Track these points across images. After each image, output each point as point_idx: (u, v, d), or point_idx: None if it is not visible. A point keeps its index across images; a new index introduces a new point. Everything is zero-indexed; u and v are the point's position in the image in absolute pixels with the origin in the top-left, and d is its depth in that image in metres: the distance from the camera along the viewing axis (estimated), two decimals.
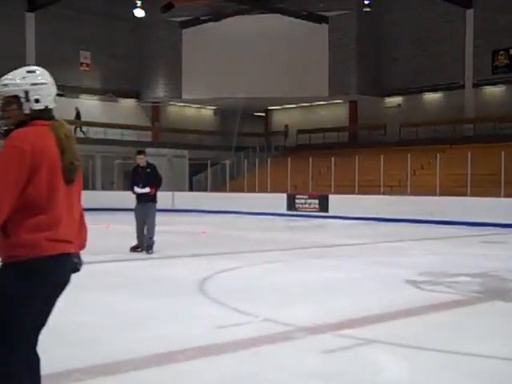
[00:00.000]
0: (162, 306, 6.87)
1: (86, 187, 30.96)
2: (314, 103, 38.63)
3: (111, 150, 32.36)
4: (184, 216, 26.26)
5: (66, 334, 5.50)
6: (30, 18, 33.93)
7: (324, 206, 25.65)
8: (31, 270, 2.84)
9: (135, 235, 11.96)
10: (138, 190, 11.86)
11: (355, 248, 13.88)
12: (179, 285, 8.26)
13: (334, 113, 38.06)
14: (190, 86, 36.68)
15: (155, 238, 11.80)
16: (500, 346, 5.30)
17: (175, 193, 29.39)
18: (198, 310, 6.64)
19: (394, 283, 8.52)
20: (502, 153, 22.06)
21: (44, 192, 2.84)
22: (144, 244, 11.79)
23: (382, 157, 25.43)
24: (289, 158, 28.93)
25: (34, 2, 33.71)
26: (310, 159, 28.00)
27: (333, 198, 25.43)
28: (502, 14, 30.19)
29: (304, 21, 34.16)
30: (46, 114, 2.99)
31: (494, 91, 31.89)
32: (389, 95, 35.54)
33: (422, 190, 23.48)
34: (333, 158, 27.32)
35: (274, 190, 28.15)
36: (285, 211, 26.70)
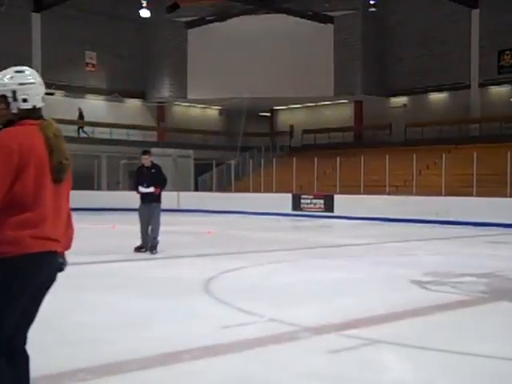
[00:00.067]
0: (166, 306, 6.88)
1: (91, 187, 31.15)
2: (319, 103, 38.59)
3: (117, 150, 32.42)
4: (189, 216, 26.28)
5: (70, 334, 5.53)
6: (36, 18, 34.01)
7: (329, 206, 25.63)
8: (16, 268, 2.85)
9: (139, 235, 11.98)
10: (142, 189, 11.87)
11: (360, 248, 13.87)
12: (184, 285, 8.27)
13: (340, 113, 38.02)
14: (196, 86, 36.71)
15: (159, 238, 11.80)
16: (504, 346, 5.29)
17: (180, 193, 29.41)
18: (203, 310, 6.65)
19: (399, 283, 8.51)
20: (508, 153, 22.02)
21: (31, 190, 2.86)
22: (148, 244, 11.79)
23: (387, 157, 25.39)
24: (294, 158, 28.91)
25: (40, 3, 33.79)
26: (316, 159, 27.99)
27: (338, 198, 25.41)
28: (508, 14, 30.10)
29: (309, 21, 34.13)
30: (34, 114, 3.01)
31: (499, 91, 31.81)
32: (394, 95, 35.48)
33: (428, 190, 23.44)
34: (338, 158, 27.30)
35: (279, 190, 28.15)
36: (290, 211, 26.69)
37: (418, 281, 8.60)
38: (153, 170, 11.97)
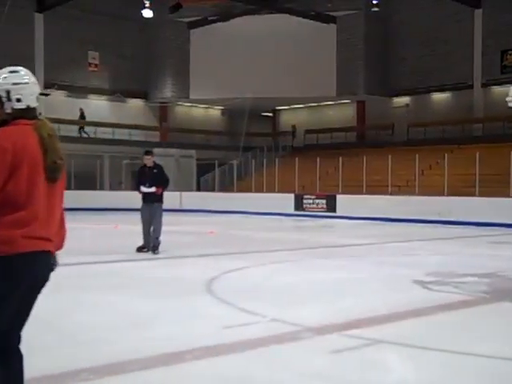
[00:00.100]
0: (168, 306, 6.88)
1: (93, 187, 31.17)
2: (321, 103, 38.58)
3: (119, 150, 32.45)
4: (191, 216, 26.30)
5: (72, 334, 5.53)
6: (39, 18, 34.07)
7: (331, 206, 25.63)
8: (8, 267, 2.85)
9: (142, 235, 11.98)
10: (143, 189, 11.87)
11: (363, 248, 13.87)
12: (186, 285, 8.27)
13: (342, 113, 38.01)
14: (198, 86, 36.73)
15: (161, 238, 11.79)
16: (505, 346, 5.29)
17: (183, 193, 29.43)
18: (205, 310, 6.65)
19: (402, 283, 8.51)
20: (511, 153, 21.98)
21: (24, 189, 2.87)
22: (150, 244, 11.79)
23: (389, 157, 25.37)
24: (296, 158, 28.92)
25: (43, 3, 33.84)
26: (318, 159, 27.99)
27: (340, 198, 25.41)
28: (511, 14, 30.07)
29: (312, 21, 34.12)
30: (28, 114, 3.02)
31: (502, 91, 31.68)
32: (397, 95, 35.46)
33: (430, 190, 23.43)
34: (340, 158, 27.31)
35: (281, 190, 28.15)
36: (292, 211, 26.70)
37: (421, 281, 8.60)
38: (155, 170, 11.96)
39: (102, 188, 32.62)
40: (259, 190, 29.28)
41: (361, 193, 25.32)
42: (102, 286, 8.11)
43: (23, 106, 3.01)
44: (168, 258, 11.39)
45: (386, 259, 11.44)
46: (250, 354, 5.00)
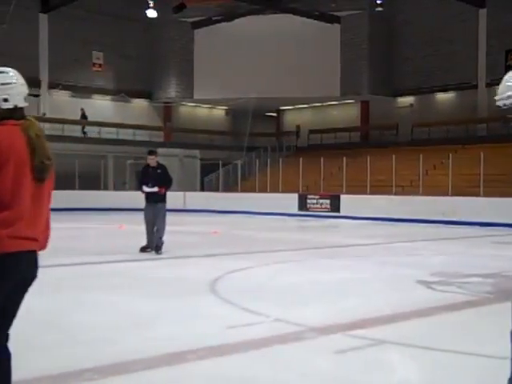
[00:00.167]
0: (172, 306, 6.89)
1: (98, 187, 31.21)
2: (325, 103, 38.57)
3: (123, 150, 32.49)
4: (195, 216, 26.31)
5: (75, 334, 5.53)
6: (44, 19, 34.13)
7: (335, 206, 25.62)
8: None
9: (145, 235, 11.98)
10: (145, 188, 11.84)
11: (367, 248, 13.86)
12: (190, 285, 8.28)
13: (346, 113, 38.00)
14: (202, 86, 36.75)
15: (165, 238, 11.79)
16: (509, 347, 5.27)
17: (186, 193, 29.46)
18: (208, 310, 6.65)
19: (406, 284, 8.50)
20: None
21: (9, 188, 2.88)
22: (153, 244, 11.80)
23: (393, 157, 25.36)
24: (300, 158, 28.90)
25: (48, 3, 33.91)
26: (322, 159, 27.99)
27: (344, 198, 25.39)
28: None
29: (316, 21, 34.10)
30: (16, 114, 3.03)
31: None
32: (401, 95, 35.44)
33: (434, 190, 23.39)
34: (344, 158, 27.30)
35: (285, 190, 28.15)
36: (296, 211, 26.69)
37: (425, 281, 8.59)
38: (158, 171, 11.93)
39: (106, 188, 32.66)
40: (263, 190, 29.28)
41: (365, 193, 25.30)
42: (105, 286, 8.12)
43: (10, 106, 3.02)
44: (172, 257, 11.40)
45: (390, 259, 11.43)
46: (253, 354, 4.99)
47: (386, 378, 4.40)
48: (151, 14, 32.94)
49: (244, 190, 30.33)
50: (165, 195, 11.95)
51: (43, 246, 3.15)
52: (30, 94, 3.20)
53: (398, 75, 34.98)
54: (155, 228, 11.77)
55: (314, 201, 26.63)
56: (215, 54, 35.73)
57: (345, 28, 34.80)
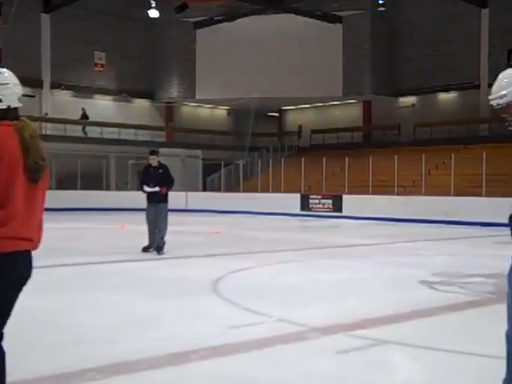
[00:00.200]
0: (174, 306, 6.89)
1: (100, 187, 31.22)
2: (327, 103, 38.55)
3: (125, 150, 32.49)
4: (197, 216, 26.32)
5: (78, 334, 5.53)
6: (46, 19, 34.16)
7: (338, 206, 25.62)
8: None
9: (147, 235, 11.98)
10: (146, 188, 11.83)
11: (369, 248, 13.85)
12: (192, 285, 8.28)
13: (348, 113, 37.98)
14: (204, 86, 36.76)
15: (167, 238, 11.78)
16: None
17: (188, 193, 29.46)
18: (210, 310, 6.65)
19: (408, 284, 8.50)
20: None
21: (2, 188, 2.89)
22: (155, 244, 11.79)
23: (395, 157, 25.34)
24: (302, 158, 28.90)
25: (49, 4, 33.93)
26: (324, 159, 27.98)
27: (346, 198, 25.39)
28: None
29: (318, 21, 34.09)
30: (9, 114, 3.04)
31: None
32: (403, 95, 35.41)
33: (437, 190, 23.38)
34: (346, 158, 27.29)
35: (287, 190, 28.15)
36: (298, 211, 26.69)
37: (426, 281, 8.59)
38: (160, 170, 11.92)
39: (108, 188, 32.68)
40: (265, 190, 29.28)
41: (367, 193, 25.30)
42: (107, 286, 8.12)
43: (4, 107, 3.03)
44: (173, 257, 11.40)
45: (393, 259, 11.43)
46: (255, 354, 5.00)
47: (388, 378, 4.40)
48: (153, 13, 32.94)
49: (246, 190, 30.34)
50: (166, 195, 11.93)
51: (36, 247, 3.16)
52: (24, 95, 3.20)
53: (400, 75, 34.97)
54: (157, 228, 11.76)
55: (316, 201, 26.63)
56: (217, 54, 35.74)
57: (347, 28, 34.79)
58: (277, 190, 28.74)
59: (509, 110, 3.20)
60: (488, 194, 21.66)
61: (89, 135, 33.88)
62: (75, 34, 34.22)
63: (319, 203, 26.48)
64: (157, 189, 11.74)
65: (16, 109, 3.08)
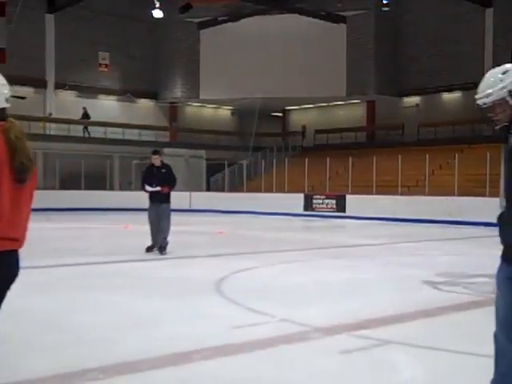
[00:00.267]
0: (177, 306, 6.88)
1: (103, 187, 31.25)
2: (331, 103, 38.53)
3: (129, 150, 32.53)
4: (201, 216, 26.33)
5: (78, 334, 5.52)
6: (50, 19, 34.21)
7: (341, 206, 25.59)
8: None
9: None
10: (148, 188, 11.80)
11: (373, 248, 13.83)
12: (195, 285, 8.27)
13: (352, 113, 37.95)
14: (208, 87, 36.78)
15: (170, 238, 11.76)
16: None
17: (192, 193, 29.47)
18: (214, 310, 6.65)
19: (412, 284, 8.48)
20: None
21: None
22: (158, 244, 11.76)
23: (399, 157, 25.32)
24: (306, 158, 28.89)
25: (54, 4, 34.00)
26: (328, 159, 27.96)
27: (350, 198, 25.36)
28: None
29: (322, 21, 34.08)
30: None
31: None
32: (407, 95, 35.36)
33: (440, 190, 23.34)
34: (350, 158, 27.27)
35: (291, 190, 28.14)
36: (302, 211, 26.68)
37: (430, 281, 8.57)
38: (163, 170, 11.86)
39: (111, 188, 32.69)
40: (269, 190, 29.28)
41: (371, 193, 25.27)
42: (107, 286, 8.11)
43: None
44: (177, 258, 11.40)
45: (396, 259, 11.41)
46: (258, 354, 4.99)
47: (392, 378, 4.39)
48: (157, 14, 32.97)
49: (250, 190, 30.33)
50: (169, 195, 11.88)
51: (21, 246, 3.15)
52: (13, 96, 3.18)
53: (404, 75, 34.92)
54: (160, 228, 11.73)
55: (320, 201, 26.62)
56: (221, 54, 35.76)
57: (351, 28, 34.77)
58: (280, 190, 28.74)
59: (495, 109, 3.17)
60: (492, 194, 21.57)
61: (92, 135, 33.92)
62: (79, 34, 34.28)
63: (323, 203, 26.47)
64: (158, 188, 11.69)
65: (3, 109, 3.05)
